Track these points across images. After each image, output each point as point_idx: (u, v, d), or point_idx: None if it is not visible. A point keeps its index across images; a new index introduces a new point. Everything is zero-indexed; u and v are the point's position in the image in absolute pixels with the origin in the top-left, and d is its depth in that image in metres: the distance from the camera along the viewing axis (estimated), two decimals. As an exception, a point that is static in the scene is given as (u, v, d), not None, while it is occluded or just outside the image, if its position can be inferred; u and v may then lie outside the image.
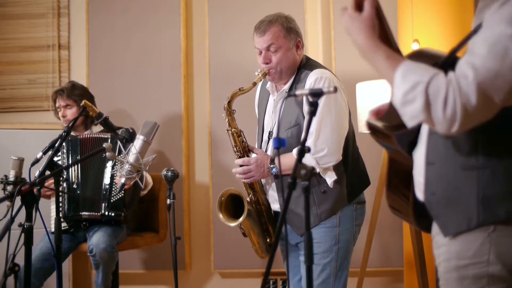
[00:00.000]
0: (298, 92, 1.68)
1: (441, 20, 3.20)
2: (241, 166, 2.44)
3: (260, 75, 2.43)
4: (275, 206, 2.50)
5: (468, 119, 1.26)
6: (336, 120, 2.34)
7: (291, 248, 2.54)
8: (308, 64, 2.48)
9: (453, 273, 1.40)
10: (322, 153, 2.32)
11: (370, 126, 1.56)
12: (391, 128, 1.51)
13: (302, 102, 2.38)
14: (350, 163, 2.44)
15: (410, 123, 1.32)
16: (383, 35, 1.47)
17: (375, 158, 3.25)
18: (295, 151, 2.34)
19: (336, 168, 2.38)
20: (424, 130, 1.49)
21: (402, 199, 1.60)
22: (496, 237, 1.34)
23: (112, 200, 3.20)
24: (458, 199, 1.38)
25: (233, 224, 2.50)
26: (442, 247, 1.44)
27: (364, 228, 2.76)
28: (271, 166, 2.40)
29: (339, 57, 3.69)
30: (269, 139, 2.52)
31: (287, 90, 2.46)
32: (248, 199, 2.51)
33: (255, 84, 2.45)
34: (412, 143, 1.52)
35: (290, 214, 2.38)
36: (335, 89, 1.59)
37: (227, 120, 2.49)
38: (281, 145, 1.71)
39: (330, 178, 2.36)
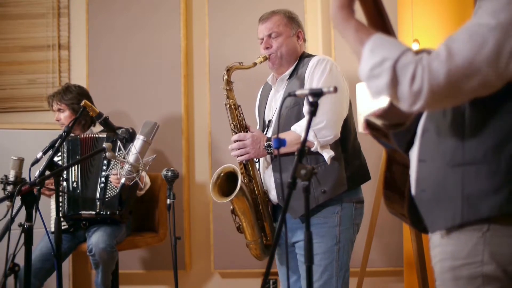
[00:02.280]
0: (298, 92, 1.68)
1: (441, 20, 3.21)
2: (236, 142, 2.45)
3: (260, 57, 2.49)
4: (272, 193, 2.47)
5: (433, 99, 1.26)
6: (336, 98, 2.35)
7: (288, 249, 2.48)
8: (309, 55, 2.55)
9: (448, 274, 1.40)
10: (320, 125, 2.32)
11: (369, 124, 1.56)
12: (389, 126, 1.52)
13: (303, 84, 2.41)
14: (351, 150, 2.44)
15: (374, 97, 1.34)
16: (382, 26, 1.47)
17: (375, 158, 3.25)
18: (293, 127, 2.37)
19: (334, 148, 2.38)
20: (419, 128, 1.49)
21: (399, 199, 1.60)
22: (490, 237, 1.33)
23: (106, 199, 3.21)
24: (445, 196, 1.38)
25: (223, 200, 2.45)
26: (437, 248, 1.44)
27: (364, 228, 2.77)
28: (267, 143, 2.39)
29: (339, 57, 3.69)
30: (268, 127, 2.52)
31: (289, 77, 2.50)
32: (244, 182, 2.47)
33: (255, 64, 2.49)
34: (410, 143, 1.52)
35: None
36: (335, 89, 1.60)
37: (225, 91, 2.51)
38: (281, 145, 1.72)
39: (327, 153, 2.35)
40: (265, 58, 2.49)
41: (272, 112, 2.53)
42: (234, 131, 2.49)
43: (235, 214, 2.53)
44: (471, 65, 1.24)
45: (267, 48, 2.50)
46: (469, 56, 1.24)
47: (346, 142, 2.43)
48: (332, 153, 2.35)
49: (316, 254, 2.35)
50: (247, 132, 2.49)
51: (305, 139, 1.58)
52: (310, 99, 1.60)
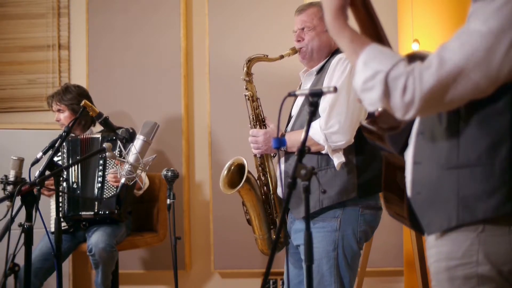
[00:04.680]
0: (298, 92, 1.68)
1: (441, 20, 3.21)
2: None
3: (289, 50, 2.45)
4: (279, 190, 2.45)
5: (424, 107, 1.29)
6: (353, 102, 2.25)
7: (292, 250, 2.45)
8: (341, 51, 2.45)
9: (444, 274, 1.40)
10: (333, 129, 2.24)
11: (364, 127, 1.58)
12: (384, 129, 1.53)
13: (324, 80, 2.34)
14: (367, 156, 2.32)
15: (369, 108, 1.40)
16: (374, 32, 1.49)
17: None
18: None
19: (347, 152, 2.29)
20: (414, 130, 1.50)
21: (398, 201, 1.61)
22: (485, 237, 1.34)
23: (104, 199, 3.21)
24: (440, 198, 1.39)
25: (229, 192, 2.44)
26: (433, 248, 1.44)
27: (364, 228, 2.76)
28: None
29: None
30: (289, 122, 2.49)
31: (316, 72, 2.43)
32: (256, 177, 2.46)
33: (282, 57, 2.46)
34: (405, 144, 1.53)
35: (292, 197, 2.29)
36: (335, 89, 1.60)
37: (244, 82, 2.49)
38: (281, 145, 1.72)
39: (337, 159, 2.26)
40: (294, 51, 2.44)
41: (296, 107, 2.48)
42: (252, 123, 2.50)
43: (245, 207, 2.51)
44: (461, 72, 1.25)
45: (298, 41, 2.44)
46: (459, 63, 1.26)
47: (362, 147, 2.30)
48: (342, 159, 2.26)
49: (314, 259, 2.27)
50: (263, 124, 2.49)
51: (305, 140, 1.58)
52: (310, 99, 1.59)
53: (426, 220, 1.44)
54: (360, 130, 2.25)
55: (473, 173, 1.34)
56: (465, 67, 1.25)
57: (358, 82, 1.36)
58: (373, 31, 1.49)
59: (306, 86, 2.47)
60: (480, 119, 1.34)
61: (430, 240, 1.46)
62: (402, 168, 1.55)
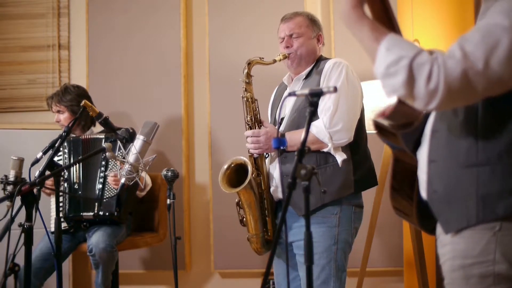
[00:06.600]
0: (298, 92, 1.69)
1: (441, 20, 3.20)
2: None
3: (280, 55, 2.52)
4: (279, 190, 2.48)
5: (448, 98, 1.27)
6: (353, 101, 2.40)
7: (285, 248, 2.49)
8: (325, 58, 2.59)
9: (459, 272, 1.40)
10: (337, 127, 2.35)
11: (377, 125, 1.56)
12: (397, 126, 1.52)
13: (319, 83, 2.44)
14: (361, 154, 2.47)
15: (389, 95, 1.35)
16: (389, 26, 1.47)
17: (375, 159, 3.24)
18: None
19: (344, 150, 2.40)
20: (428, 129, 1.49)
21: (406, 200, 1.60)
22: (502, 236, 1.34)
23: (104, 200, 3.21)
24: (459, 196, 1.39)
25: (231, 191, 2.47)
26: (447, 246, 1.43)
27: (364, 228, 2.76)
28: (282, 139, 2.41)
29: (339, 57, 3.68)
30: (280, 125, 2.53)
31: (305, 77, 2.53)
32: (252, 176, 2.49)
33: (275, 61, 2.53)
34: (417, 142, 1.52)
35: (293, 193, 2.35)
36: (335, 89, 1.60)
37: (244, 83, 2.53)
38: (281, 145, 1.72)
39: (340, 156, 2.38)
40: (285, 57, 2.53)
41: (285, 110, 2.54)
42: (248, 124, 2.52)
43: (240, 207, 2.55)
44: (485, 65, 1.24)
45: (287, 47, 2.53)
46: (483, 56, 1.25)
47: (357, 145, 2.45)
48: (344, 156, 2.38)
49: (315, 253, 2.31)
50: (260, 126, 2.53)
51: (305, 139, 1.58)
52: (310, 99, 1.60)
53: (444, 219, 1.44)
54: (355, 131, 2.41)
55: (493, 171, 1.34)
56: (489, 59, 1.24)
57: (381, 67, 1.33)
58: (388, 26, 1.47)
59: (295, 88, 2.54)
60: (498, 117, 1.34)
61: (443, 238, 1.45)
62: (413, 166, 1.55)
